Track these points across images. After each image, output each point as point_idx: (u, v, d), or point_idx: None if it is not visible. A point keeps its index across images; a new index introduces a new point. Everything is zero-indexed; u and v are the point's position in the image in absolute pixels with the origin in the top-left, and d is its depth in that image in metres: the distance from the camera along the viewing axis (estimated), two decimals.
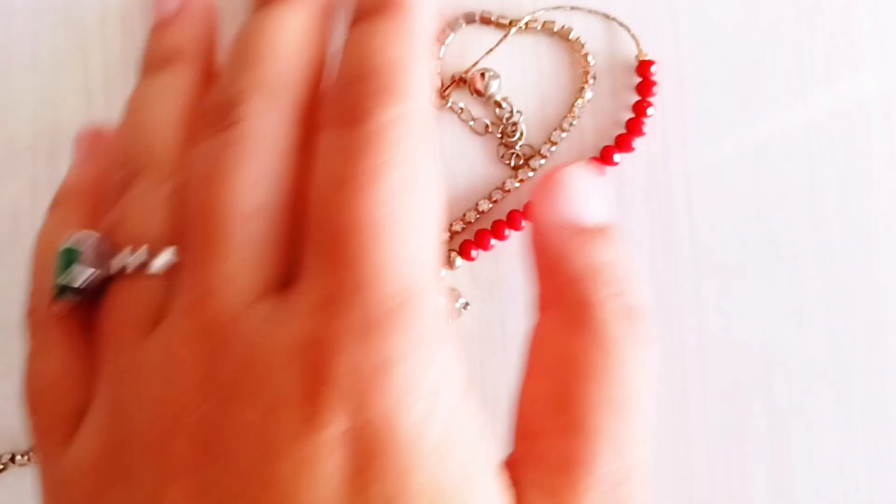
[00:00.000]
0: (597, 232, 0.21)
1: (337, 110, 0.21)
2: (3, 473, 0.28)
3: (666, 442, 0.27)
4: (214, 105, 0.22)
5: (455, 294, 0.29)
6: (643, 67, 0.28)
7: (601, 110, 0.28)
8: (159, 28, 0.26)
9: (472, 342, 0.28)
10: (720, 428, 0.27)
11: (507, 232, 0.28)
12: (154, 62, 0.25)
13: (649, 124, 0.28)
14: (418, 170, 0.20)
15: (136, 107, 0.24)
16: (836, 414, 0.27)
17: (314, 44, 0.23)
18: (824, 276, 0.27)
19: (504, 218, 0.29)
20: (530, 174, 0.29)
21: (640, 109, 0.28)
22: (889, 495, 0.27)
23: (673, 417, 0.27)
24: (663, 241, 0.28)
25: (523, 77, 0.28)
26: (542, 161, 0.29)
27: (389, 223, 0.19)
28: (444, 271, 0.28)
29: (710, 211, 0.27)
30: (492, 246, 0.29)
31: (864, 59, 0.27)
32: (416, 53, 0.22)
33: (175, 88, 0.24)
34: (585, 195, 0.22)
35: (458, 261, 0.29)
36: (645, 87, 0.28)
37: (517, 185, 0.29)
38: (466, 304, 0.29)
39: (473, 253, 0.29)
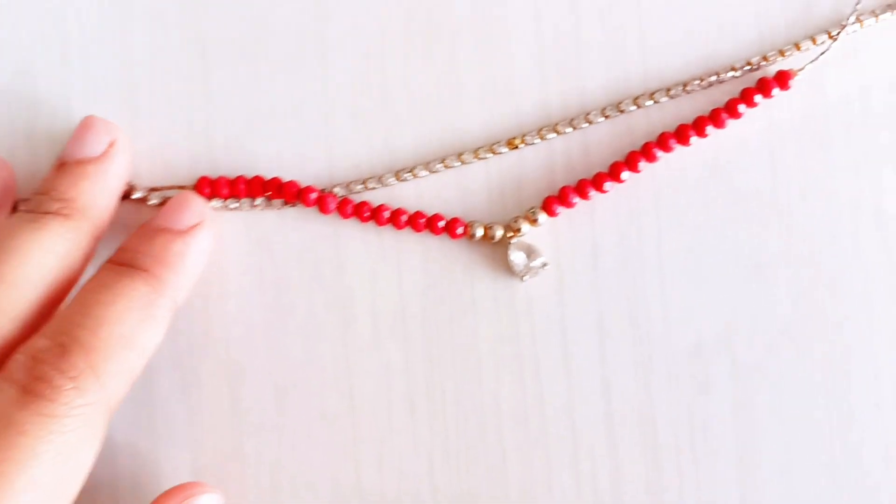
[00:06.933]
0: None
1: (24, 366, 0.23)
2: None
3: (630, 400, 0.27)
4: None
5: (534, 253, 0.28)
6: None
7: None
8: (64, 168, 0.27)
9: (545, 303, 0.28)
10: (684, 384, 0.27)
11: (590, 192, 0.27)
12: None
13: None
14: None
15: None
16: (798, 370, 0.27)
17: (66, 279, 0.25)
18: (785, 233, 0.27)
19: (590, 177, 0.28)
20: None
21: None
22: (853, 448, 0.27)
23: (636, 374, 0.27)
24: (627, 202, 0.28)
25: None
26: None
27: None
28: (527, 227, 0.28)
29: (672, 172, 0.28)
30: (574, 204, 0.28)
31: None
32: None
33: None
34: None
35: (542, 217, 0.28)
36: None
37: None
38: (545, 263, 0.28)
39: (557, 210, 0.28)
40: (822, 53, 0.27)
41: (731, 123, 0.28)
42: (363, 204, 0.28)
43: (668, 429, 0.27)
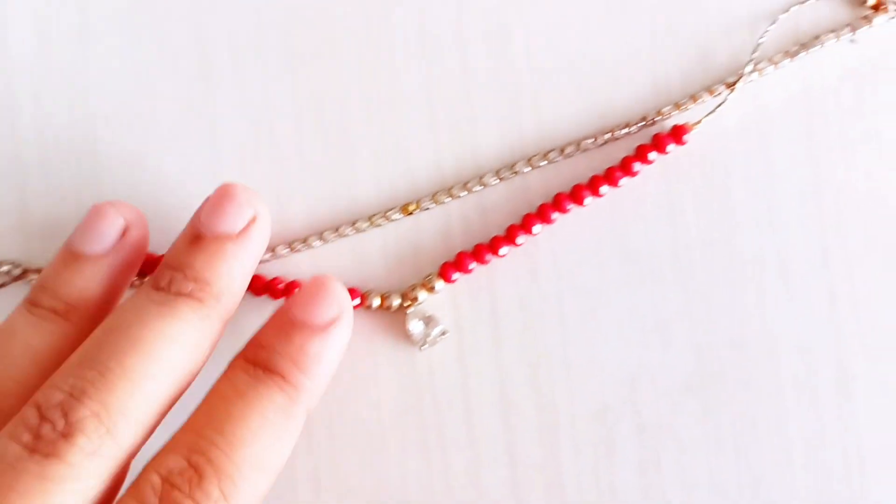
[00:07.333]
0: None
1: (158, 491, 0.21)
2: None
3: (537, 466, 0.27)
4: (43, 412, 0.21)
5: (433, 321, 0.27)
6: None
7: None
8: (66, 261, 0.24)
9: (446, 371, 0.27)
10: (590, 447, 0.27)
11: (487, 257, 0.27)
12: (38, 300, 0.24)
13: None
14: None
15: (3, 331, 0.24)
16: (704, 428, 0.27)
17: (192, 372, 0.23)
18: (686, 290, 0.27)
19: (487, 241, 0.27)
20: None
21: None
22: None
23: (542, 439, 0.27)
24: (526, 264, 0.27)
25: None
26: None
27: None
28: (424, 294, 0.27)
29: (569, 232, 0.27)
30: (471, 269, 0.27)
31: None
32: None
33: (46, 335, 0.23)
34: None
35: (439, 283, 0.27)
36: None
37: None
38: (444, 331, 0.27)
39: (454, 276, 0.27)
40: (720, 105, 0.27)
41: (628, 181, 0.27)
42: (256, 277, 0.27)
43: (575, 494, 0.27)
